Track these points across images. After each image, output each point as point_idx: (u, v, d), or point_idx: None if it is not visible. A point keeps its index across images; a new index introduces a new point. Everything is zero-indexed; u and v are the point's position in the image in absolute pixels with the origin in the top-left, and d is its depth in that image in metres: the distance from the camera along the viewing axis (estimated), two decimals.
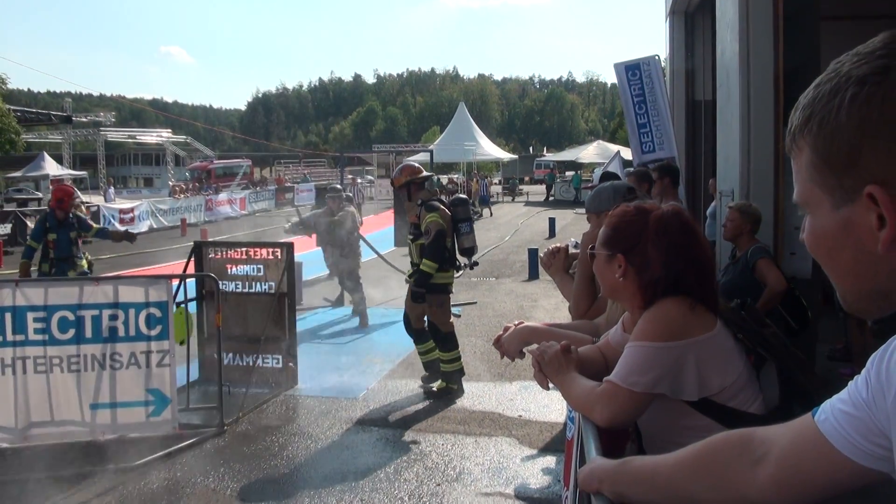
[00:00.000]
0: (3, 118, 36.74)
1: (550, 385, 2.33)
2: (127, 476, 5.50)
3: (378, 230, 17.94)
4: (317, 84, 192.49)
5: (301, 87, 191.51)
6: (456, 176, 52.49)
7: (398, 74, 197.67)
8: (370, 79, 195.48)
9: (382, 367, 8.41)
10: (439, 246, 7.22)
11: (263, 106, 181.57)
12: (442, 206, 7.39)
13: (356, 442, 6.19)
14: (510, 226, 27.47)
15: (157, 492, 5.25)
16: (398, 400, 7.27)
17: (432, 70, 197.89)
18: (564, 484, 3.39)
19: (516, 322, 2.89)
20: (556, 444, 5.98)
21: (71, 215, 9.02)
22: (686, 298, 2.15)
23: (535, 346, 2.52)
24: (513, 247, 20.55)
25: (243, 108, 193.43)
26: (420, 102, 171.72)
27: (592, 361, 2.46)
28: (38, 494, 5.22)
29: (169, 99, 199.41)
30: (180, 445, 5.99)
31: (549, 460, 5.75)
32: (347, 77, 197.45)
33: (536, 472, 5.59)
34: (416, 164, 7.95)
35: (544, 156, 70.98)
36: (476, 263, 8.54)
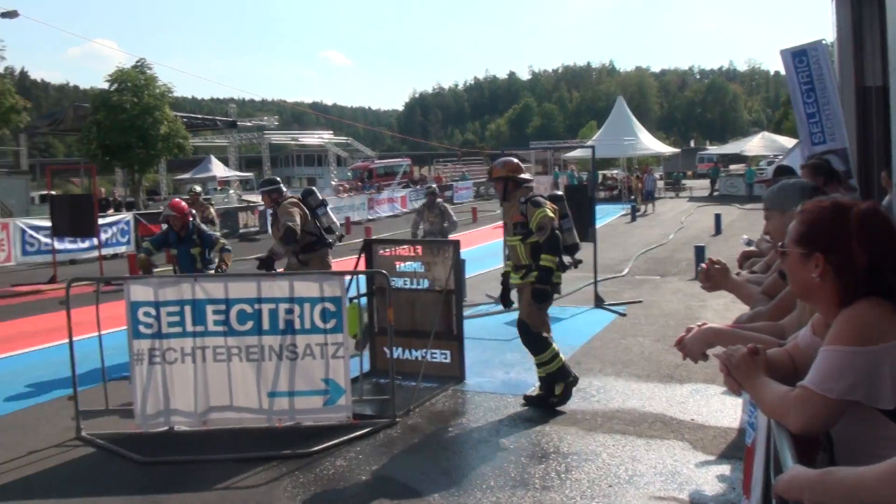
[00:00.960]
0: (172, 124, 38.97)
1: (742, 391, 2.24)
2: (302, 462, 5.71)
3: None
4: (472, 83, 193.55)
5: (457, 86, 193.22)
6: (616, 172, 51.69)
7: (553, 70, 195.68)
8: (525, 75, 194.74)
9: None
10: (556, 239, 6.92)
11: (420, 106, 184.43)
12: (548, 202, 7.11)
13: (525, 439, 6.17)
14: (674, 222, 26.77)
15: (331, 478, 5.41)
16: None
17: (588, 64, 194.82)
18: (744, 493, 3.25)
19: (699, 323, 2.81)
20: (731, 450, 5.74)
21: (191, 229, 9.01)
22: (883, 301, 2.01)
23: (718, 348, 2.44)
24: (677, 244, 19.99)
25: (401, 108, 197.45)
26: (576, 97, 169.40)
27: (780, 365, 2.35)
28: (218, 475, 5.51)
29: (329, 102, 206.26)
30: (354, 435, 6.16)
31: (725, 467, 5.51)
32: (502, 74, 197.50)
33: (711, 478, 5.38)
34: (518, 162, 7.51)
35: (707, 149, 68.84)
36: (580, 261, 8.25)
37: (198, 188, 17.77)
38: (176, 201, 9.29)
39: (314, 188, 9.00)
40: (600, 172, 48.95)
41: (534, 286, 6.85)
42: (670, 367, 7.85)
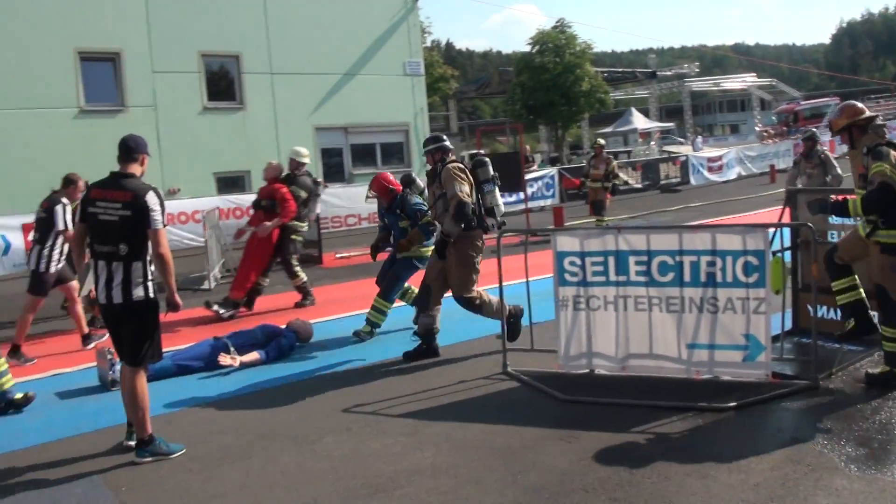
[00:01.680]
0: (593, 80, 39.82)
1: None
2: (718, 416, 5.70)
3: None
4: None
5: (888, 10, 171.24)
6: None
7: None
8: None
9: None
10: (879, 199, 5.82)
11: (849, 37, 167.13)
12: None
13: None
14: None
15: (747, 435, 5.31)
16: None
17: None
18: None
19: None
20: None
21: (397, 202, 8.76)
22: None
23: None
24: None
25: (827, 41, 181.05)
26: None
27: None
28: (634, 419, 5.70)
29: (751, 42, 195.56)
30: (772, 394, 5.99)
31: None
32: None
33: None
34: (859, 104, 6.38)
35: None
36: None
37: (601, 141, 18.23)
38: (377, 178, 9.14)
39: (488, 159, 7.91)
40: None
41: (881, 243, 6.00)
42: None
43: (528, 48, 41.06)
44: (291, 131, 24.16)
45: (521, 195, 20.10)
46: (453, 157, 7.79)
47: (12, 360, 7.99)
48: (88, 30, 21.29)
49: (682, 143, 49.05)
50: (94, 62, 21.74)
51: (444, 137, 8.08)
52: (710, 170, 31.03)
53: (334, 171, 26.02)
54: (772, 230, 6.57)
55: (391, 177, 9.19)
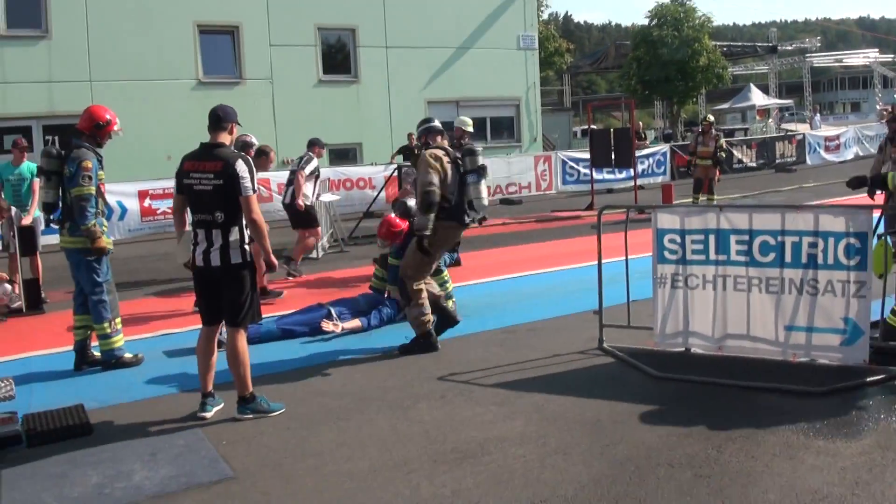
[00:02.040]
0: (711, 55, 38.73)
1: None
2: (811, 400, 5.61)
3: None
4: None
5: None
6: None
7: None
8: None
9: None
10: None
11: None
12: None
13: None
14: None
15: (839, 420, 5.22)
16: None
17: None
18: None
19: None
20: None
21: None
22: None
23: None
24: None
25: None
26: None
27: None
28: (727, 399, 5.71)
29: (876, 15, 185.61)
30: (870, 379, 5.87)
31: None
32: None
33: None
34: None
35: None
36: None
37: (710, 117, 17.78)
38: (384, 224, 8.92)
39: (478, 149, 7.50)
40: None
41: None
42: None
43: (646, 21, 40.26)
44: (404, 105, 24.51)
45: (631, 171, 19.86)
46: (440, 142, 7.48)
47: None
48: (208, 3, 22.03)
49: (800, 122, 47.28)
50: (213, 35, 22.52)
51: (434, 120, 7.78)
52: (827, 149, 29.90)
53: None
54: (878, 212, 6.36)
55: (396, 218, 8.87)
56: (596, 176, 20.85)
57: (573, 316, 8.29)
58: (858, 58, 61.22)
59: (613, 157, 18.57)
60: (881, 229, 6.52)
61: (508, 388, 6.19)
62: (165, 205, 16.96)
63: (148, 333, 8.59)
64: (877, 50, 63.18)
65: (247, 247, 5.69)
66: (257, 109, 22.22)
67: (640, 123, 39.68)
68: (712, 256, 6.47)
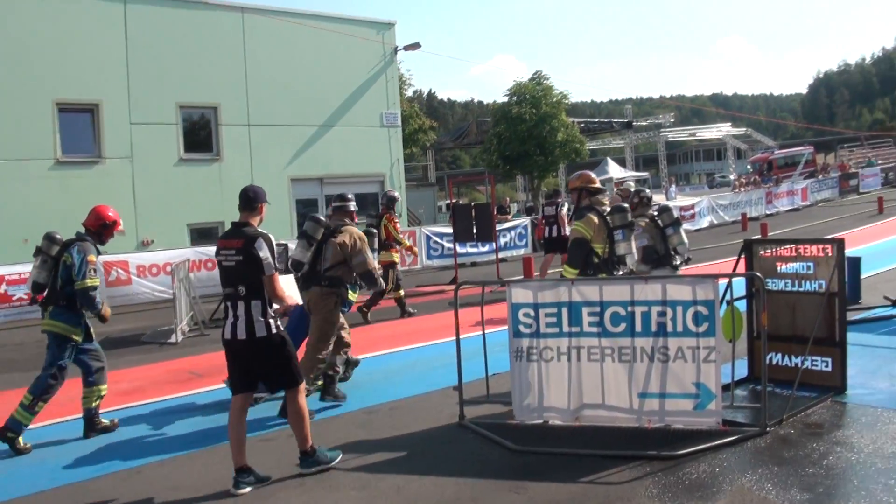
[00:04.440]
0: (568, 130, 40.34)
1: None
2: (666, 464, 5.75)
3: None
4: (880, 55, 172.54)
5: (864, 60, 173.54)
6: None
7: None
8: None
9: None
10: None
11: (825, 87, 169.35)
12: None
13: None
14: None
15: (693, 483, 5.39)
16: None
17: None
18: None
19: None
20: None
21: None
22: None
23: None
24: None
25: (804, 91, 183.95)
26: None
27: None
28: (584, 469, 5.76)
29: (728, 92, 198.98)
30: (721, 441, 6.06)
31: None
32: None
33: None
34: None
35: None
36: None
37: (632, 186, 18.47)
38: None
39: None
40: None
41: None
42: None
43: (505, 99, 41.62)
44: (267, 182, 24.12)
45: (493, 245, 20.21)
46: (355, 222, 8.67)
47: None
48: (68, 81, 21.39)
49: (657, 193, 49.57)
50: (73, 113, 21.83)
51: (350, 197, 9.03)
52: (683, 218, 31.39)
53: None
54: (723, 280, 6.67)
55: None
56: (460, 250, 21.06)
57: (435, 392, 8.29)
58: (712, 131, 65.13)
59: (475, 231, 18.87)
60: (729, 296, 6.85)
61: (369, 471, 6.09)
62: (21, 291, 16.06)
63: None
64: (730, 123, 67.36)
65: (271, 320, 5.92)
66: (117, 188, 21.55)
67: (508, 198, 40.63)
68: (566, 329, 6.61)
